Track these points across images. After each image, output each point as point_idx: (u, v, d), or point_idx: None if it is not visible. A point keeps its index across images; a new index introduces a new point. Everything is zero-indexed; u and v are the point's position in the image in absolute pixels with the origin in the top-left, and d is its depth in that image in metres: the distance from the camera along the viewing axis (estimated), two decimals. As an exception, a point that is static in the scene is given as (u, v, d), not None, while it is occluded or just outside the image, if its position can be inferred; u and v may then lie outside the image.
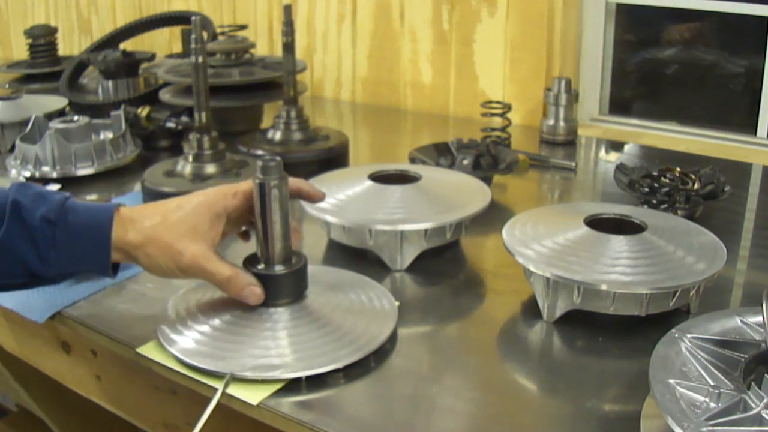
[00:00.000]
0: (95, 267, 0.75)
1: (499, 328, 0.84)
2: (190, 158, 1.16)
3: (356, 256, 0.96)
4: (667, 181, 1.10)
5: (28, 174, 1.25)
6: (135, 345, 0.78)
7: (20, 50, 2.18)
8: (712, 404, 0.57)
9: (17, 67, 1.99)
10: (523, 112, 1.58)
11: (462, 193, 1.01)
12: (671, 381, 0.59)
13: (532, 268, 0.80)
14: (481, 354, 0.75)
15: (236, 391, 0.70)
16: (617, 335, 0.79)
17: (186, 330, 0.77)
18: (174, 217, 0.74)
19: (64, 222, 0.72)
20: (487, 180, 1.14)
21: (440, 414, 0.68)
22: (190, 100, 1.38)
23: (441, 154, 1.26)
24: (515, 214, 0.92)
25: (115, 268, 0.77)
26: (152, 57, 1.77)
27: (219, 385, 0.70)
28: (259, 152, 1.29)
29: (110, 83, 1.63)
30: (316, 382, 0.72)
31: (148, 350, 0.77)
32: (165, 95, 1.50)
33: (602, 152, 1.48)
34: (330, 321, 0.77)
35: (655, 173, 1.12)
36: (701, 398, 0.58)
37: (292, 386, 0.71)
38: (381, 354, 0.77)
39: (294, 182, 0.80)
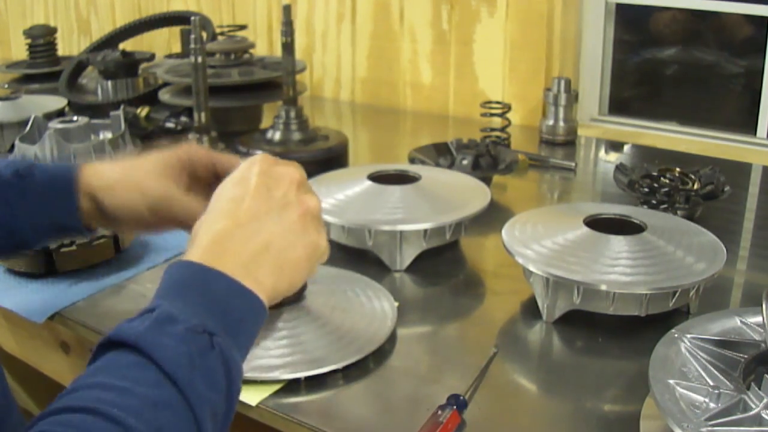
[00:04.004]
0: (64, 215, 0.73)
1: (499, 328, 0.84)
2: (190, 158, 1.16)
3: (356, 256, 0.96)
4: (667, 181, 1.10)
5: (27, 174, 1.24)
6: (134, 345, 0.77)
7: (19, 50, 2.18)
8: (712, 404, 0.57)
9: (16, 67, 1.99)
10: (523, 112, 1.58)
11: (461, 193, 1.01)
12: (671, 381, 0.59)
13: (531, 269, 0.80)
14: (481, 354, 0.75)
15: (236, 391, 0.70)
16: (617, 335, 0.79)
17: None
18: (142, 160, 0.74)
19: (32, 175, 0.73)
20: (487, 180, 1.14)
21: (440, 414, 0.68)
22: (189, 100, 1.38)
23: (440, 154, 1.25)
24: (515, 214, 0.92)
25: (91, 229, 0.76)
26: (152, 57, 1.77)
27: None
28: (258, 152, 1.28)
29: (109, 83, 1.63)
30: (315, 382, 0.72)
31: (148, 350, 0.76)
32: (164, 95, 1.50)
33: (602, 152, 1.48)
34: (329, 321, 0.77)
35: (655, 173, 1.12)
36: (701, 398, 0.58)
37: (291, 386, 0.71)
38: (380, 354, 0.77)
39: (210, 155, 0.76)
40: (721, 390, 0.58)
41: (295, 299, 0.78)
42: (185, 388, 0.47)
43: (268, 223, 0.58)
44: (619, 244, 0.81)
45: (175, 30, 1.99)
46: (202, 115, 1.14)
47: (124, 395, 0.45)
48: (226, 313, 0.53)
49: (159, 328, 0.49)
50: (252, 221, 0.57)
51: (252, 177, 0.59)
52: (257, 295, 0.55)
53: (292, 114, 1.32)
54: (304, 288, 0.79)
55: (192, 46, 1.10)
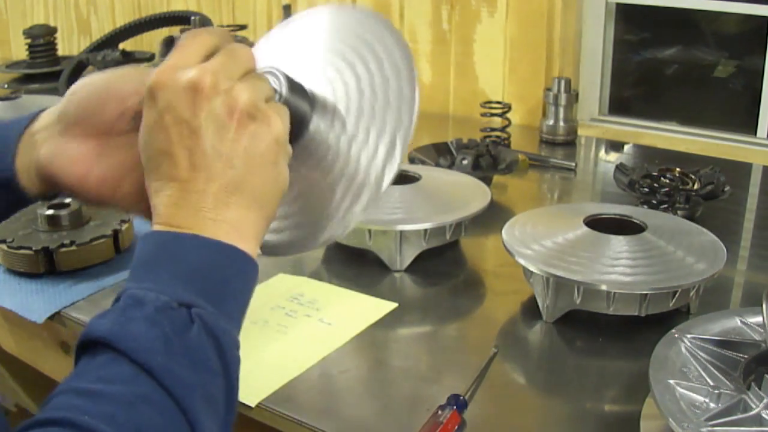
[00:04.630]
0: (2, 161, 0.59)
1: (499, 328, 0.84)
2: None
3: (356, 256, 0.96)
4: (667, 181, 1.10)
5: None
6: (134, 345, 0.77)
7: (19, 50, 2.17)
8: (712, 404, 0.57)
9: (16, 67, 1.99)
10: (523, 112, 1.58)
11: (462, 193, 1.01)
12: (671, 381, 0.59)
13: (532, 269, 0.80)
14: (481, 354, 0.75)
15: (236, 391, 0.70)
16: (617, 335, 0.79)
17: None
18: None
19: None
20: (487, 180, 1.14)
21: (440, 414, 0.68)
22: (189, 100, 1.37)
23: (441, 154, 1.25)
24: (515, 214, 0.92)
25: (49, 195, 0.61)
26: (152, 57, 1.77)
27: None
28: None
29: (110, 83, 1.63)
30: (315, 382, 0.72)
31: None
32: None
33: (602, 152, 1.48)
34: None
35: (655, 173, 1.12)
36: (701, 398, 0.58)
37: (292, 386, 0.71)
38: (381, 354, 0.77)
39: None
40: (722, 390, 0.58)
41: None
42: (163, 377, 0.42)
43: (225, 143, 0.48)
44: (619, 244, 0.81)
45: (175, 30, 1.99)
46: (202, 115, 1.13)
47: (97, 399, 0.41)
48: (206, 279, 0.47)
49: (126, 315, 0.44)
50: (210, 160, 0.48)
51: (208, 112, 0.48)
52: (238, 248, 0.48)
53: (292, 114, 1.32)
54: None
55: (192, 45, 1.09)
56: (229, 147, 0.49)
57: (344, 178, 0.57)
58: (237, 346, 0.47)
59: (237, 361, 0.47)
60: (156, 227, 0.48)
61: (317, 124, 0.58)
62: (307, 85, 0.59)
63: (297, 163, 0.57)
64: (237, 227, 0.48)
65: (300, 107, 0.57)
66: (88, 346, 0.44)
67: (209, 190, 0.48)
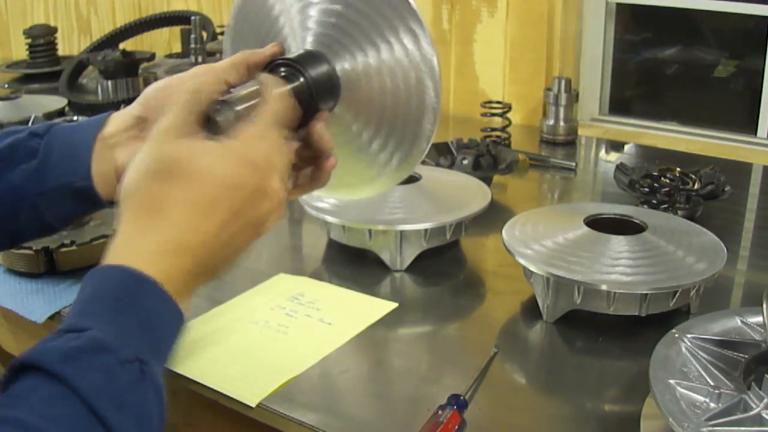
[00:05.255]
0: (78, 170, 0.61)
1: (499, 328, 0.84)
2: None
3: (356, 256, 0.96)
4: (667, 181, 1.10)
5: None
6: (134, 345, 0.77)
7: (20, 50, 2.17)
8: (713, 404, 0.57)
9: (16, 67, 1.99)
10: (523, 112, 1.58)
11: (462, 193, 1.01)
12: (671, 381, 0.59)
13: (532, 268, 0.80)
14: (481, 354, 0.75)
15: (236, 391, 0.70)
16: (617, 335, 0.79)
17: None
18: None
19: (50, 134, 0.63)
20: (487, 180, 1.14)
21: (440, 414, 0.68)
22: (189, 100, 1.37)
23: (441, 154, 1.25)
24: (515, 214, 0.92)
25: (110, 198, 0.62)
26: (152, 57, 1.77)
27: (218, 385, 0.70)
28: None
29: (110, 83, 1.63)
30: (315, 382, 0.72)
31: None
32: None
33: (602, 152, 1.48)
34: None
35: (655, 173, 1.12)
36: (701, 398, 0.58)
37: (292, 386, 0.71)
38: (381, 354, 0.77)
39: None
40: (722, 390, 0.57)
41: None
42: (115, 430, 0.41)
43: (232, 240, 0.50)
44: (619, 244, 0.81)
45: (175, 30, 1.99)
46: (203, 114, 1.13)
47: None
48: (155, 330, 0.47)
49: (88, 356, 0.42)
50: (215, 237, 0.49)
51: (241, 180, 0.50)
52: (184, 314, 0.49)
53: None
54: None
55: (192, 45, 1.10)
56: (248, 237, 0.51)
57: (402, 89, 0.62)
58: (165, 398, 0.47)
59: (166, 413, 0.47)
60: (128, 255, 0.47)
61: (344, 66, 0.61)
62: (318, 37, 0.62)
63: (359, 97, 0.61)
64: (188, 286, 0.49)
65: (324, 75, 0.60)
66: (33, 370, 0.42)
67: (204, 259, 0.49)
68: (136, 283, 0.47)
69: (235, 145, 0.51)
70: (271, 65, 0.60)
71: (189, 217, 0.49)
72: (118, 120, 0.63)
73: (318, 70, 0.60)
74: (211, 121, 0.54)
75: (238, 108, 0.54)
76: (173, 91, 0.59)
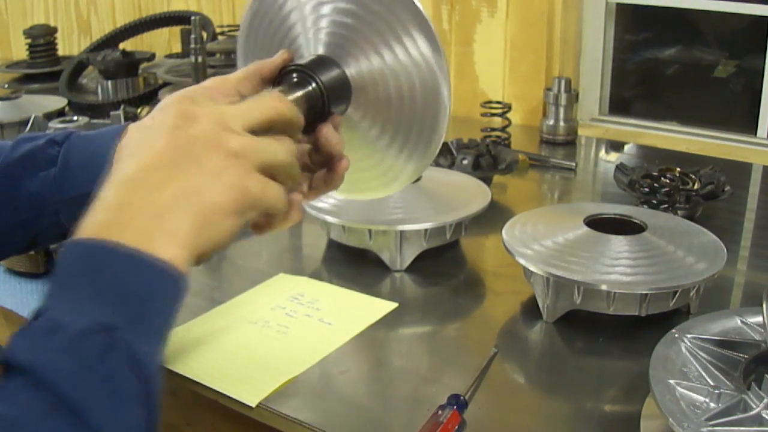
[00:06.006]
0: (99, 179, 0.61)
1: (499, 328, 0.84)
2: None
3: (356, 256, 0.96)
4: (667, 181, 1.10)
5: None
6: (134, 345, 0.77)
7: (19, 50, 2.17)
8: (712, 404, 0.57)
9: (16, 67, 1.99)
10: (523, 112, 1.58)
11: (462, 193, 1.01)
12: (671, 381, 0.59)
13: (532, 268, 0.80)
14: (481, 354, 0.75)
15: (236, 391, 0.70)
16: (617, 335, 0.79)
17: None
18: None
19: (68, 142, 0.65)
20: (487, 180, 1.14)
21: (440, 414, 0.68)
22: (189, 100, 1.37)
23: (441, 154, 1.25)
24: (515, 214, 0.92)
25: None
26: (152, 57, 1.77)
27: (218, 385, 0.70)
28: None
29: (110, 83, 1.63)
30: (315, 382, 0.72)
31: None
32: (164, 95, 1.50)
33: (602, 152, 1.48)
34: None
35: (655, 173, 1.12)
36: (701, 398, 0.58)
37: (292, 386, 0.71)
38: (381, 354, 0.77)
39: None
40: (722, 390, 0.58)
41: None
42: (81, 410, 0.40)
43: (182, 166, 0.47)
44: (619, 244, 0.81)
45: (175, 30, 1.99)
46: (203, 114, 1.13)
47: (10, 428, 0.38)
48: (129, 295, 0.44)
49: (44, 338, 0.41)
50: (161, 166, 0.47)
51: (164, 117, 0.50)
52: (165, 261, 0.45)
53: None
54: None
55: (192, 46, 1.10)
56: (206, 168, 0.48)
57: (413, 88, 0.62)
58: (159, 368, 0.45)
59: (159, 384, 0.44)
60: (84, 228, 0.45)
61: (356, 69, 0.62)
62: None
63: (372, 99, 0.62)
64: (176, 237, 0.46)
65: (336, 79, 0.61)
66: (7, 364, 0.41)
67: (160, 191, 0.47)
68: (96, 249, 0.44)
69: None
70: (282, 72, 0.61)
71: (127, 163, 0.48)
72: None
73: (329, 75, 0.61)
74: None
75: None
76: None
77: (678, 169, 1.14)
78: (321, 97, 0.60)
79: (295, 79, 0.60)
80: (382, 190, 0.69)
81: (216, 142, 0.49)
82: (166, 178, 0.47)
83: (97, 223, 0.46)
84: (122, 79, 1.63)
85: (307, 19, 0.64)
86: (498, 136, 1.37)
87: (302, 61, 0.61)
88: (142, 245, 0.45)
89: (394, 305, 0.85)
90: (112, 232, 0.45)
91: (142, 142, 0.49)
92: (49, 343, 0.41)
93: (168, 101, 0.52)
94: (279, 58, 0.62)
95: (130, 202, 0.46)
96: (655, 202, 1.04)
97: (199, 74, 1.11)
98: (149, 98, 1.53)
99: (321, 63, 0.62)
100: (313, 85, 0.60)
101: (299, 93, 0.59)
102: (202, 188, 0.48)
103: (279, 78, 0.61)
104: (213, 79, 0.61)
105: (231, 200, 0.48)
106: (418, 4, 0.60)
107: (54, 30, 1.96)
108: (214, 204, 0.48)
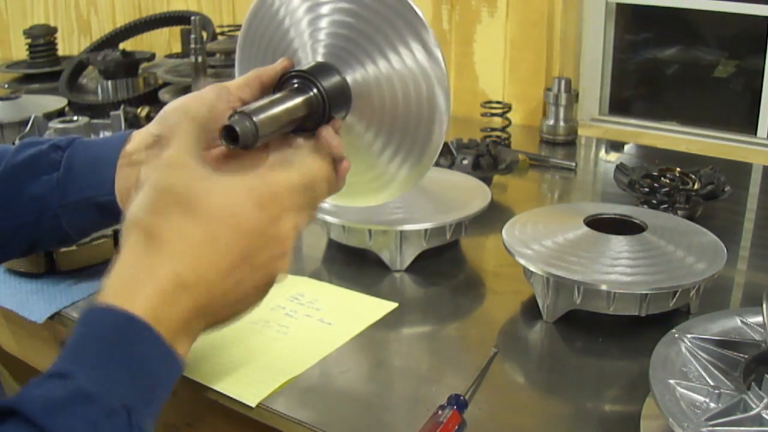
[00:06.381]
0: (102, 184, 0.64)
1: (499, 328, 0.84)
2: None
3: (356, 256, 0.96)
4: (667, 181, 1.10)
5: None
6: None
7: (19, 50, 2.17)
8: (712, 404, 0.57)
9: (16, 67, 1.99)
10: (523, 112, 1.58)
11: (462, 193, 1.01)
12: (671, 381, 0.59)
13: (532, 268, 0.80)
14: (481, 354, 0.75)
15: (236, 391, 0.70)
16: (617, 335, 0.79)
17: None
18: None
19: (71, 147, 0.66)
20: (487, 180, 1.14)
21: (440, 414, 0.68)
22: (189, 100, 1.37)
23: (441, 154, 1.24)
24: (515, 214, 0.92)
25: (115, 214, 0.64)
26: (152, 57, 1.77)
27: (218, 385, 0.70)
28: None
29: (110, 83, 1.63)
30: (315, 382, 0.72)
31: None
32: (164, 95, 1.50)
33: (602, 152, 1.48)
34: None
35: (655, 173, 1.12)
36: (701, 398, 0.58)
37: (292, 386, 0.71)
38: (381, 354, 0.77)
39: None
40: (722, 390, 0.58)
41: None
42: None
43: (237, 285, 0.50)
44: (619, 244, 0.81)
45: (175, 30, 1.99)
46: (202, 114, 1.13)
47: None
48: (146, 378, 0.45)
49: (72, 407, 0.41)
50: (219, 279, 0.48)
51: (250, 223, 0.50)
52: (180, 359, 0.48)
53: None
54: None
55: (192, 46, 1.10)
56: (249, 287, 0.51)
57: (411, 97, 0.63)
58: None
59: None
60: (129, 299, 0.46)
61: (355, 76, 0.63)
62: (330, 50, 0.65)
63: (369, 106, 0.64)
64: (186, 329, 0.48)
65: (336, 85, 0.62)
66: (14, 415, 0.41)
67: (205, 301, 0.48)
68: (128, 325, 0.45)
69: (244, 182, 0.50)
70: (283, 78, 0.61)
71: (189, 254, 0.47)
72: (139, 138, 0.65)
73: (330, 81, 0.62)
74: (229, 131, 0.54)
75: (256, 118, 0.55)
76: (190, 109, 0.61)
77: (678, 169, 1.14)
78: (322, 102, 0.60)
79: (296, 85, 0.61)
80: (374, 197, 0.70)
81: (282, 251, 0.53)
82: (227, 291, 0.49)
83: (145, 297, 0.46)
84: (122, 79, 1.63)
85: (304, 33, 0.65)
86: (498, 136, 1.37)
87: (303, 67, 0.62)
88: (168, 337, 0.46)
89: (394, 305, 0.85)
90: (150, 313, 0.46)
91: (213, 238, 0.48)
92: (77, 415, 0.41)
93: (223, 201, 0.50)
94: (279, 65, 0.64)
95: (173, 304, 0.47)
96: (655, 202, 1.04)
97: (199, 74, 1.11)
98: (149, 98, 1.53)
99: (321, 69, 0.62)
100: (315, 90, 0.60)
101: (300, 98, 0.59)
102: (250, 302, 0.52)
103: (279, 84, 0.62)
104: (214, 86, 0.62)
105: (263, 289, 0.53)
106: (418, 11, 0.61)
107: (54, 30, 1.96)
108: (241, 310, 0.52)
